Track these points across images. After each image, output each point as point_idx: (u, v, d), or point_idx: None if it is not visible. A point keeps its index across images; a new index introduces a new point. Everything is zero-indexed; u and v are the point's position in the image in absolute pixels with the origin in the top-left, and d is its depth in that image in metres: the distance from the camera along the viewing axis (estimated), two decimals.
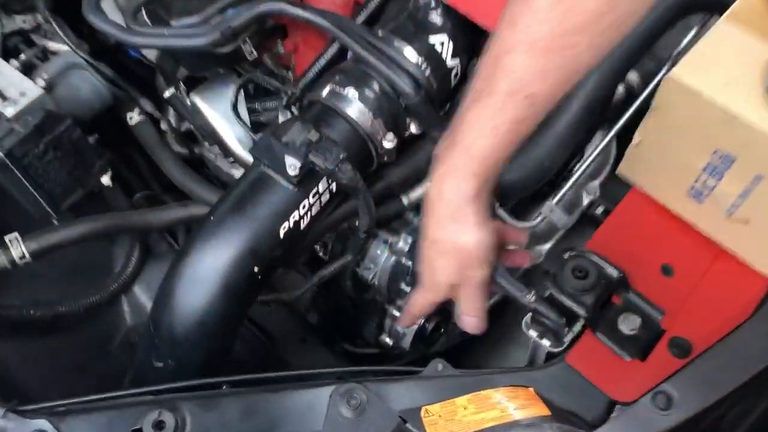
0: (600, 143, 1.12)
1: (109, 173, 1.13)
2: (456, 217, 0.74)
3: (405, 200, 1.05)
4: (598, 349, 0.82)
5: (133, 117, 1.21)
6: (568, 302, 0.83)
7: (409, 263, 1.06)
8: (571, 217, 1.05)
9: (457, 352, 1.29)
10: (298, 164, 0.86)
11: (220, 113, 1.12)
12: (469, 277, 0.78)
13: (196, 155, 1.28)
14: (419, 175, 1.03)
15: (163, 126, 1.23)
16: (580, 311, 0.82)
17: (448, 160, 0.73)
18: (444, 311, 1.16)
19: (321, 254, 1.13)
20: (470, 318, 0.82)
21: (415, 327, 1.11)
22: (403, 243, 1.07)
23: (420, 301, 0.85)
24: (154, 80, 1.20)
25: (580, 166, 1.14)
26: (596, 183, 1.19)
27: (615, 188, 0.95)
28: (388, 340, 1.16)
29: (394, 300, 1.12)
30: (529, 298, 0.83)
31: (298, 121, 0.88)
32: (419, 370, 0.84)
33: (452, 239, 0.75)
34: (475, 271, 0.77)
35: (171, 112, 1.25)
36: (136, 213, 1.14)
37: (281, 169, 0.87)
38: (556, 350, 0.85)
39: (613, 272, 0.85)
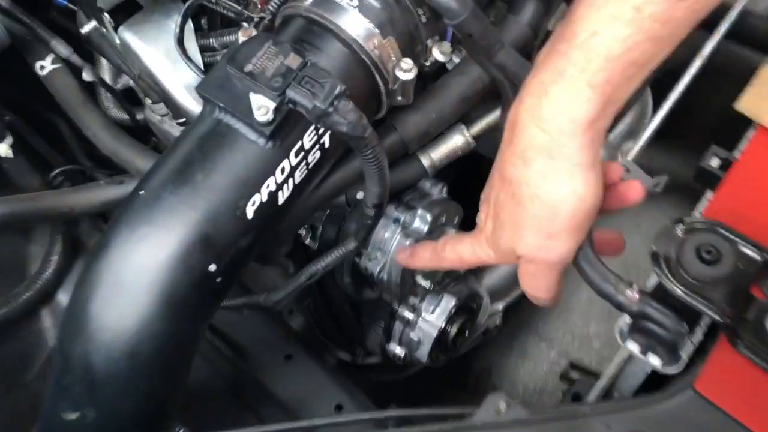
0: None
1: (10, 141, 0.88)
2: (551, 150, 0.52)
3: (425, 161, 0.80)
4: (742, 369, 0.59)
5: (45, 66, 0.93)
6: (691, 299, 0.58)
7: None
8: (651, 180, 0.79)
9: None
10: (272, 105, 0.60)
11: (161, 52, 0.86)
12: (546, 248, 0.55)
13: (140, 122, 1.03)
14: (443, 126, 0.78)
15: (87, 76, 0.94)
16: (712, 312, 0.57)
17: (552, 63, 0.50)
18: (469, 309, 0.95)
19: (308, 241, 0.89)
20: (536, 298, 0.64)
21: (434, 333, 0.93)
22: (419, 222, 0.85)
23: (463, 253, 0.66)
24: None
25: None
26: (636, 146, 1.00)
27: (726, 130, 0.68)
28: (398, 350, 0.97)
29: (407, 298, 0.91)
30: (630, 294, 0.59)
31: (269, 41, 0.61)
32: (469, 413, 0.56)
33: (535, 183, 0.54)
34: (557, 241, 0.55)
35: (105, 64, 0.99)
36: (52, 194, 0.91)
37: (246, 113, 0.62)
38: (669, 372, 0.61)
39: (754, 253, 0.60)
